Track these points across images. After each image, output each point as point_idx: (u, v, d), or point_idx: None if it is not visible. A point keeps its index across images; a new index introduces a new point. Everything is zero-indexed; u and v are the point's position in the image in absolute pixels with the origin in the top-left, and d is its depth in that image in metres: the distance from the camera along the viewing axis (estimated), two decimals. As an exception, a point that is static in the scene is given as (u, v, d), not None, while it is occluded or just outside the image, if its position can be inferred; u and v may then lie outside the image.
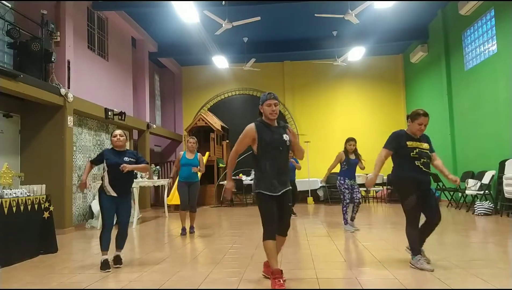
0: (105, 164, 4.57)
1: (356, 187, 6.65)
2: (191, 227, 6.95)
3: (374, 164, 4.17)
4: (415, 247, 4.00)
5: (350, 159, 6.58)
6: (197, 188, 6.84)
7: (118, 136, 4.60)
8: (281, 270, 3.50)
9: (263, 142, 3.52)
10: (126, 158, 4.56)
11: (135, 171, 4.92)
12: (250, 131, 3.56)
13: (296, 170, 9.24)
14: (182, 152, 6.96)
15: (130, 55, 11.36)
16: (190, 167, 6.71)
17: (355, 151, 6.64)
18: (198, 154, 6.91)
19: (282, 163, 3.57)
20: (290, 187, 3.67)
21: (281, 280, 3.41)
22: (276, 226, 3.52)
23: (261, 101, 3.62)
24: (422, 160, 4.00)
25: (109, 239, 4.49)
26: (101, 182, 4.58)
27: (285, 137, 3.58)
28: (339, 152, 6.69)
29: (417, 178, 3.98)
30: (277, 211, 3.52)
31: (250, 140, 3.58)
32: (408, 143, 4.05)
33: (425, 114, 4.04)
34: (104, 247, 4.45)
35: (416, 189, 3.97)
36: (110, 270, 4.31)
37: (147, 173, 9.13)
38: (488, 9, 8.90)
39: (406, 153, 4.02)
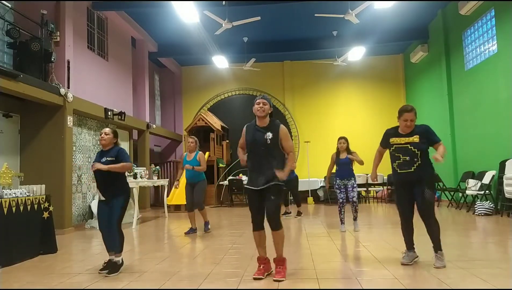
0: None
1: (350, 186, 6.53)
2: (206, 224, 6.92)
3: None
4: (404, 241, 4.27)
5: (339, 159, 6.55)
6: (201, 187, 6.78)
7: (103, 134, 4.38)
8: (265, 258, 3.88)
9: (247, 142, 3.95)
10: (104, 158, 4.31)
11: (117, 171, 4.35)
12: (242, 132, 4.04)
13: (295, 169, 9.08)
14: (184, 153, 6.99)
15: (130, 55, 11.35)
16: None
17: (347, 150, 6.55)
18: (199, 153, 6.86)
19: (263, 161, 3.83)
20: (275, 183, 3.79)
21: (261, 266, 3.84)
22: (259, 219, 3.87)
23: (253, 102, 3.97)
24: (397, 161, 4.13)
25: (107, 241, 4.33)
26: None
27: (267, 136, 3.82)
28: (332, 153, 6.69)
29: (396, 180, 4.26)
30: (261, 204, 3.83)
31: (243, 140, 4.00)
32: (391, 140, 4.22)
33: (409, 110, 4.11)
34: (108, 249, 4.33)
35: (398, 187, 4.25)
36: (103, 272, 4.18)
37: (147, 173, 9.14)
38: (488, 9, 8.90)
39: (390, 150, 4.26)
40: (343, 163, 6.53)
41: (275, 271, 3.82)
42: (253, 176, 3.87)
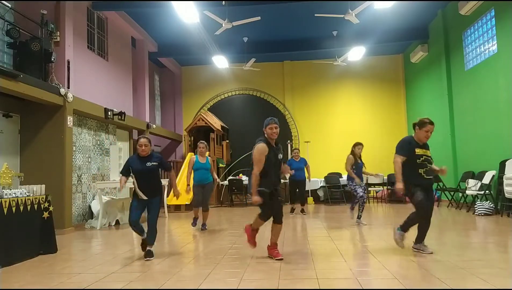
0: (131, 172, 4.93)
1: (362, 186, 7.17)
2: (203, 225, 7.37)
3: (395, 172, 4.63)
4: (407, 226, 4.70)
5: (358, 162, 7.14)
6: (211, 188, 7.38)
7: (143, 147, 4.87)
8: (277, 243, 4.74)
9: (268, 159, 4.39)
10: (148, 163, 4.88)
11: (159, 173, 5.18)
12: (264, 149, 4.38)
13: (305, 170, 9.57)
14: (194, 157, 7.39)
15: (130, 55, 11.35)
16: (203, 171, 7.24)
17: (360, 155, 7.20)
18: (209, 157, 7.48)
19: (277, 173, 4.59)
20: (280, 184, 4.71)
21: (277, 251, 4.63)
22: (272, 214, 4.58)
23: (264, 125, 4.47)
24: (425, 168, 4.51)
25: (140, 228, 4.91)
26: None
27: (280, 156, 4.57)
28: (348, 156, 7.18)
29: (420, 183, 4.53)
30: (275, 203, 4.55)
31: (264, 156, 4.37)
32: (416, 150, 4.57)
33: (431, 122, 4.55)
34: (140, 234, 4.97)
35: (423, 190, 4.54)
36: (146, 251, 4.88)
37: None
38: (488, 9, 8.90)
39: (414, 159, 4.53)
40: (360, 167, 7.17)
41: (273, 255, 4.57)
42: (271, 183, 4.46)
